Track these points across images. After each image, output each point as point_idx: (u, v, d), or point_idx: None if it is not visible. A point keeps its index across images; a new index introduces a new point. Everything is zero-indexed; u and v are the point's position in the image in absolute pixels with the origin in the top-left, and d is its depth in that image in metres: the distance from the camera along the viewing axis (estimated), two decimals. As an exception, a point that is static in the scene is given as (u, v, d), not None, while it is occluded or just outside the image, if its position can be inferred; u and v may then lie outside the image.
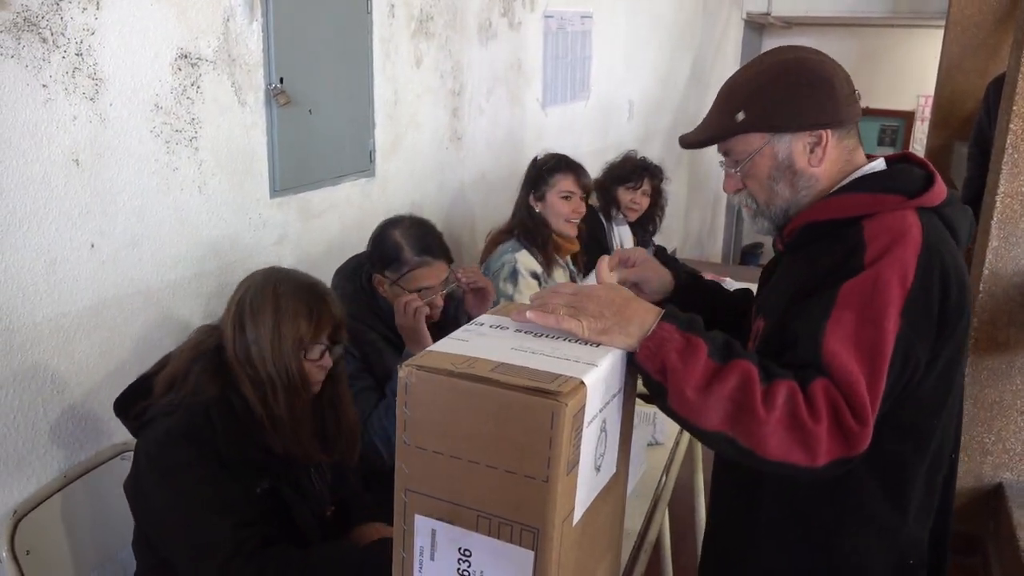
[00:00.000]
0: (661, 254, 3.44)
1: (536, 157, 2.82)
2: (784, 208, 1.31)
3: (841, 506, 1.27)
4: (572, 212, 2.75)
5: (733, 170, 1.32)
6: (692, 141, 1.37)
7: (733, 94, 1.31)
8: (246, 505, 1.44)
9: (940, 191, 1.25)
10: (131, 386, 1.56)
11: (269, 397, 1.47)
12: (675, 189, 5.26)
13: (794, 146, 1.27)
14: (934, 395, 1.24)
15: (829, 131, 1.26)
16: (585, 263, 2.92)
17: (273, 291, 1.50)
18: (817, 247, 1.25)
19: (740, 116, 1.27)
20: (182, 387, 1.48)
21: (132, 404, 1.52)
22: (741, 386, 1.07)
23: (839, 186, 1.28)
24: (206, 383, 1.47)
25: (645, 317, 1.12)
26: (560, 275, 2.78)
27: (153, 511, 1.45)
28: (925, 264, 1.15)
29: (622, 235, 3.25)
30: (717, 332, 1.14)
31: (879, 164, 1.30)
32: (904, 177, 1.26)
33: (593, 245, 3.04)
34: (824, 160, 1.27)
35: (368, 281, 2.04)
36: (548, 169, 2.74)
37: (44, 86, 1.56)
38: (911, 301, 1.13)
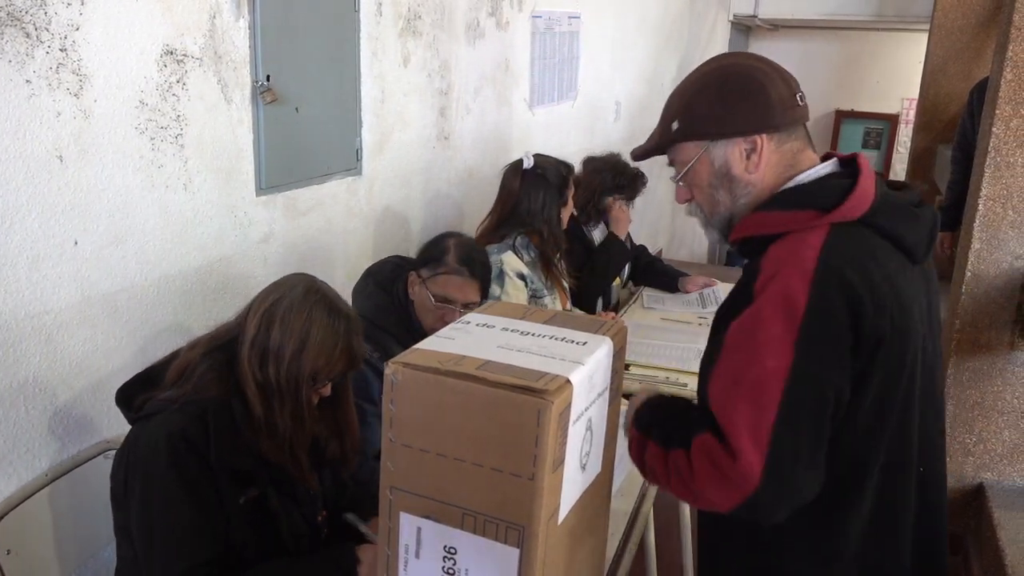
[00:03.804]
0: (644, 255, 3.44)
1: (560, 163, 2.77)
2: (726, 216, 1.31)
3: (788, 536, 1.24)
4: (567, 217, 2.78)
5: (678, 180, 1.33)
6: (638, 152, 1.39)
7: (670, 105, 1.33)
8: (217, 525, 1.42)
9: (859, 202, 1.18)
10: (136, 376, 1.54)
11: (274, 405, 1.46)
12: (661, 190, 5.28)
13: (729, 153, 1.26)
14: (869, 417, 1.18)
15: (765, 136, 1.24)
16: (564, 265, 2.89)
17: (309, 312, 1.46)
18: (748, 265, 1.24)
19: (675, 125, 1.29)
20: (187, 382, 1.46)
21: (135, 395, 1.51)
22: (653, 467, 1.21)
23: (773, 195, 1.26)
24: (210, 382, 1.45)
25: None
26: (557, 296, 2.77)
27: (131, 508, 1.44)
28: (821, 287, 1.11)
29: (597, 237, 3.23)
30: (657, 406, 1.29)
31: (820, 170, 1.26)
32: (823, 190, 1.21)
33: (579, 245, 3.03)
34: (761, 165, 1.25)
35: (404, 291, 2.03)
36: (565, 177, 2.74)
37: (28, 81, 1.55)
38: (805, 328, 1.10)
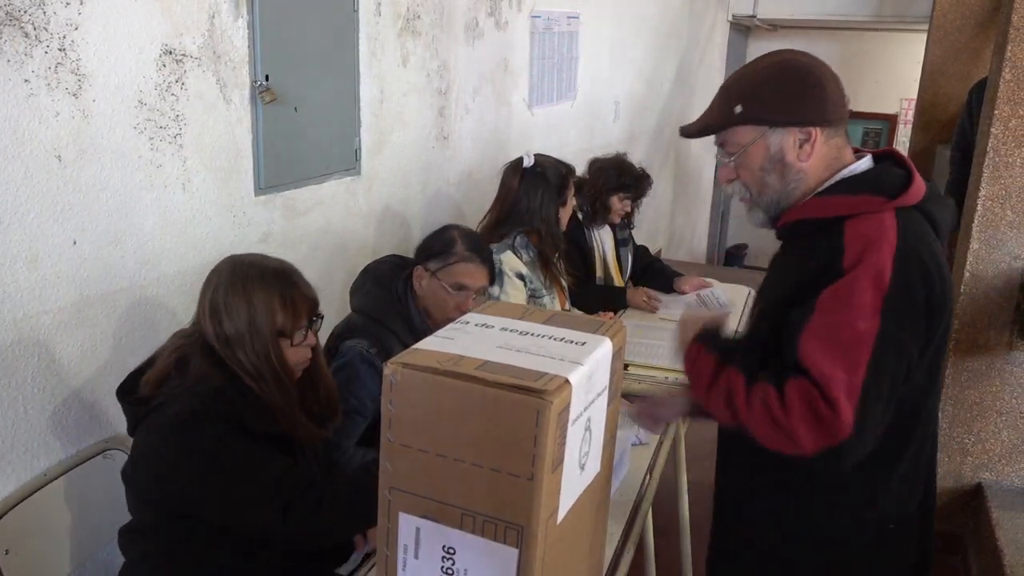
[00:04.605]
0: (645, 255, 3.44)
1: (560, 162, 2.76)
2: (775, 199, 1.40)
3: (828, 474, 1.34)
4: (567, 219, 2.78)
5: (728, 160, 1.41)
6: (691, 130, 1.46)
7: (732, 88, 1.41)
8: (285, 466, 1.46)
9: (918, 190, 1.33)
10: (134, 372, 1.55)
11: (263, 384, 1.49)
12: (660, 190, 5.28)
13: (785, 141, 1.35)
14: (927, 377, 1.34)
15: (819, 129, 1.34)
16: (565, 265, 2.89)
17: (242, 285, 1.50)
18: (805, 244, 1.35)
19: (738, 109, 1.37)
20: (183, 378, 1.48)
21: (133, 391, 1.52)
22: (727, 388, 1.29)
23: (826, 184, 1.37)
24: (209, 372, 1.48)
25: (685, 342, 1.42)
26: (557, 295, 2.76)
27: (184, 485, 1.44)
28: (902, 263, 1.25)
29: (602, 237, 3.23)
30: (730, 341, 1.39)
31: (865, 163, 1.38)
32: (885, 179, 1.34)
33: (572, 246, 3.03)
34: (812, 156, 1.35)
35: (405, 289, 2.04)
36: (565, 176, 2.73)
37: (26, 81, 1.55)
38: (890, 299, 1.23)
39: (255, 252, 1.62)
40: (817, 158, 1.36)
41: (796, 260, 1.37)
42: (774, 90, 1.35)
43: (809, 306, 1.26)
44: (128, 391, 1.52)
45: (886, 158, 1.41)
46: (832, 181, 1.36)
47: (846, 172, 1.37)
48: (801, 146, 1.35)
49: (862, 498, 1.38)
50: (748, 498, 1.49)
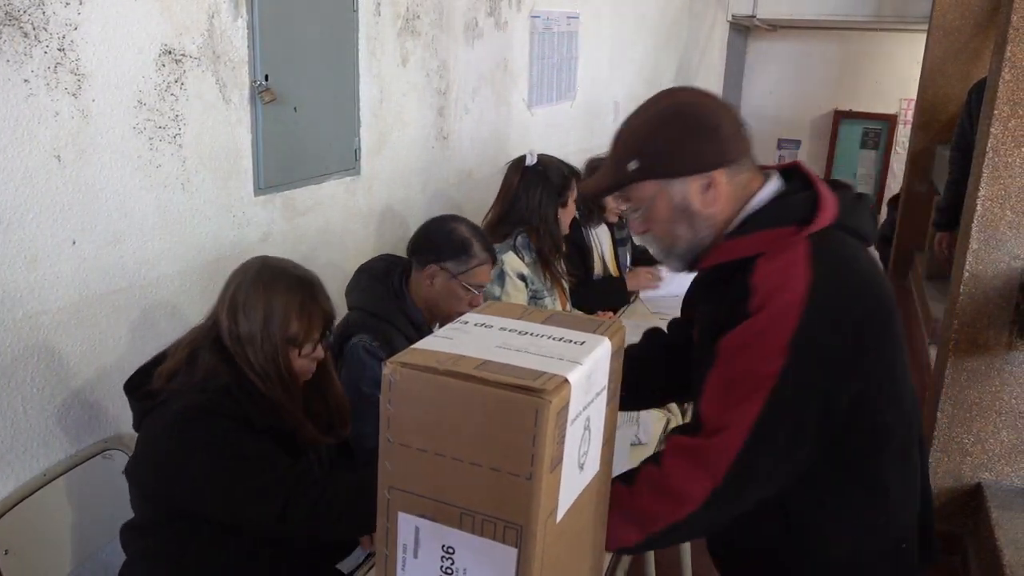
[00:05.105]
0: (644, 255, 3.44)
1: (563, 164, 2.77)
2: (688, 248, 1.34)
3: (829, 509, 1.31)
4: (568, 220, 2.78)
5: (634, 215, 1.36)
6: (591, 190, 1.41)
7: (625, 144, 1.33)
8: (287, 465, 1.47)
9: (829, 209, 1.26)
10: (142, 368, 1.56)
11: (268, 384, 1.50)
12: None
13: (688, 190, 1.29)
14: (891, 391, 1.29)
15: (720, 171, 1.28)
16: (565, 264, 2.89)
17: (264, 287, 1.51)
18: (724, 288, 1.29)
19: (633, 165, 1.30)
20: (192, 373, 1.48)
21: (141, 386, 1.52)
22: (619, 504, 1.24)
23: (734, 224, 1.31)
24: (218, 368, 1.48)
25: None
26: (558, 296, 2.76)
27: (185, 481, 1.45)
28: (817, 297, 1.18)
29: (599, 236, 3.23)
30: None
31: (771, 188, 1.32)
32: (791, 206, 1.28)
33: (571, 246, 3.03)
34: (718, 198, 1.29)
35: (401, 283, 2.06)
36: (567, 178, 2.74)
37: (26, 81, 1.55)
38: (799, 339, 1.17)
39: (286, 258, 1.63)
40: (723, 200, 1.30)
41: (717, 302, 1.31)
42: (667, 141, 1.28)
43: (712, 354, 1.23)
44: (135, 386, 1.52)
45: (793, 173, 1.34)
46: (740, 219, 1.30)
47: (752, 206, 1.30)
48: (705, 192, 1.29)
49: (860, 529, 1.33)
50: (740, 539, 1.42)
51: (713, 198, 1.29)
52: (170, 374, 1.49)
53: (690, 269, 1.38)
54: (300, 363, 1.54)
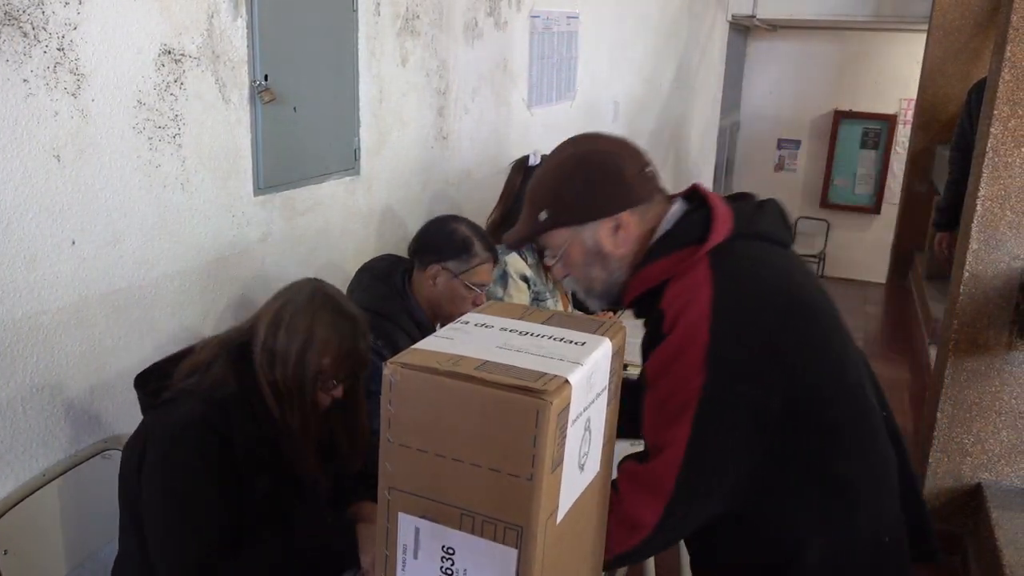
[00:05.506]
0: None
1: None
2: (606, 288, 1.40)
3: (794, 514, 1.31)
4: None
5: (553, 261, 1.41)
6: (511, 240, 1.47)
7: (534, 195, 1.41)
8: (233, 514, 1.45)
9: (722, 225, 1.29)
10: (155, 365, 1.57)
11: (284, 405, 1.50)
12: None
13: (599, 234, 1.35)
14: (831, 387, 1.29)
15: (627, 212, 1.34)
16: None
17: (314, 314, 1.51)
18: (648, 314, 1.35)
19: (543, 216, 1.37)
20: (205, 375, 1.48)
21: (151, 382, 1.53)
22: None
23: (647, 249, 1.35)
24: (228, 377, 1.48)
25: None
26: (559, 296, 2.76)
27: (144, 494, 1.45)
28: (723, 310, 1.21)
29: None
30: None
31: (673, 215, 1.36)
32: (688, 228, 1.32)
33: None
34: (629, 238, 1.35)
35: (403, 282, 2.06)
36: None
37: (25, 81, 1.55)
38: (714, 351, 1.20)
39: (338, 288, 1.64)
40: (634, 239, 1.35)
41: (646, 333, 1.36)
42: (574, 190, 1.34)
43: (643, 380, 1.28)
44: (144, 381, 1.53)
45: (693, 196, 1.39)
46: (647, 249, 1.35)
47: (656, 236, 1.35)
48: (615, 233, 1.34)
49: (829, 527, 1.32)
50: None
51: (624, 239, 1.35)
52: (192, 369, 1.50)
53: (617, 306, 1.43)
54: (318, 396, 1.54)
